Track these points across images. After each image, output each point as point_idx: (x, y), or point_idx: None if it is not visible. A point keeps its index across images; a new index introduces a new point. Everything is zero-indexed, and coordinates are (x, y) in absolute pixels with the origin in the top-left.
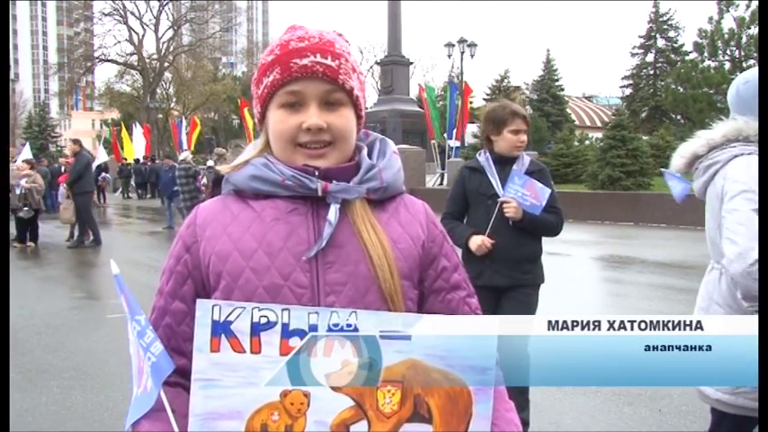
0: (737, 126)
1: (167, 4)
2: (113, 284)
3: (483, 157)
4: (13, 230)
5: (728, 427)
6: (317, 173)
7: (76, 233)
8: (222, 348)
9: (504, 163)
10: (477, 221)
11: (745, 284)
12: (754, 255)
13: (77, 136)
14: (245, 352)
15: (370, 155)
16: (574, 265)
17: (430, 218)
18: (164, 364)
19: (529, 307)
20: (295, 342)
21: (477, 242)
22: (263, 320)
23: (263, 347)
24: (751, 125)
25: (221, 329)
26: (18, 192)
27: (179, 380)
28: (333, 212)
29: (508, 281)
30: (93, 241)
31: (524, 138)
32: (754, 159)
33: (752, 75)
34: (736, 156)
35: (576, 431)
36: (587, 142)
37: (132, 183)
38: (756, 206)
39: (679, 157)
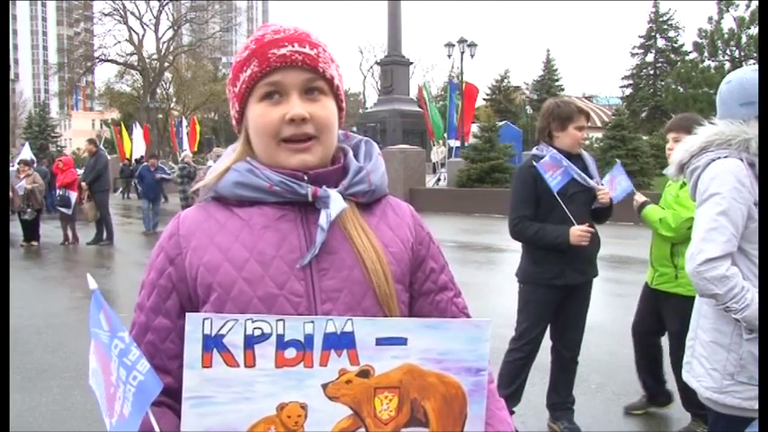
0: (715, 131)
1: (167, 4)
2: (114, 284)
3: (548, 153)
4: (18, 231)
5: (723, 426)
6: (306, 177)
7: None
8: (214, 364)
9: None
10: (556, 220)
11: (696, 283)
12: (703, 256)
13: (77, 136)
14: (238, 366)
15: (356, 157)
16: None
17: (417, 220)
18: (152, 384)
19: (589, 301)
20: (291, 353)
21: (580, 231)
22: (257, 332)
23: (258, 360)
24: (730, 128)
25: (213, 344)
26: (21, 193)
27: (164, 399)
28: (324, 218)
29: (584, 277)
30: (108, 239)
31: (585, 134)
32: (729, 162)
33: (734, 75)
34: (712, 160)
35: None
36: (587, 142)
37: (134, 183)
38: (722, 209)
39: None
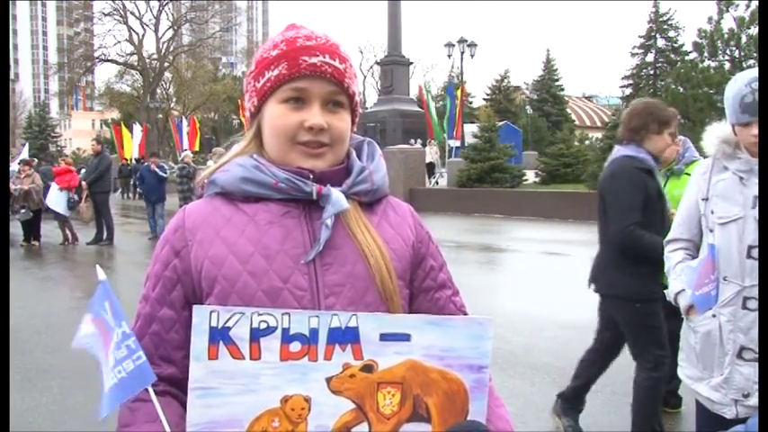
0: (710, 134)
1: (167, 4)
2: (114, 284)
3: (646, 156)
4: (18, 231)
5: (700, 419)
6: (311, 176)
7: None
8: (221, 356)
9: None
10: (657, 230)
11: None
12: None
13: (77, 136)
14: (244, 359)
15: (358, 157)
16: (574, 265)
17: (416, 219)
18: (146, 375)
19: None
20: (296, 347)
21: None
22: (263, 326)
23: (263, 353)
24: (715, 132)
25: (219, 336)
26: (16, 194)
27: (168, 388)
28: (328, 216)
29: None
30: (108, 239)
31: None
32: (701, 161)
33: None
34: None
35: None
36: (587, 142)
37: (132, 183)
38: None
39: None
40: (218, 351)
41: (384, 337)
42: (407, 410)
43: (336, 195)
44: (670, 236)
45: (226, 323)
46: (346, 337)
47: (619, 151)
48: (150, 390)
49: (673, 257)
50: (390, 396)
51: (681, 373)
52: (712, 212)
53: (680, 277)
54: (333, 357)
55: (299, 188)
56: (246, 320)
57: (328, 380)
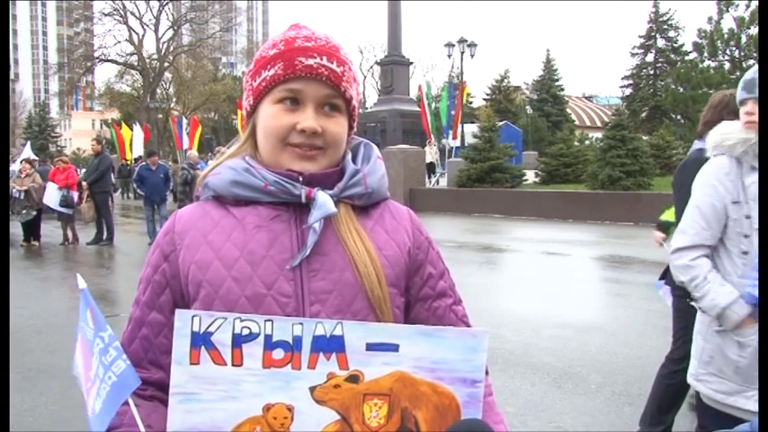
0: (720, 130)
1: (167, 4)
2: (114, 284)
3: None
4: (18, 231)
5: (709, 420)
6: (300, 179)
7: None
8: (202, 361)
9: None
10: None
11: (671, 270)
12: (674, 246)
13: (77, 136)
14: (225, 364)
15: (354, 159)
16: (574, 265)
17: (415, 224)
18: (129, 381)
19: None
20: (278, 354)
21: None
22: (245, 332)
23: (245, 360)
24: (730, 128)
25: (201, 341)
26: (16, 196)
27: (156, 393)
28: (315, 219)
29: None
30: (108, 239)
31: None
32: (714, 161)
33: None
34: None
35: (576, 431)
36: (587, 142)
37: (132, 185)
38: (695, 204)
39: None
40: (199, 356)
41: (371, 347)
42: (395, 424)
43: (323, 198)
44: (691, 241)
45: (208, 328)
46: (331, 345)
47: (695, 145)
48: (129, 397)
49: (701, 266)
50: (377, 408)
51: (705, 387)
52: (748, 217)
53: (723, 288)
54: (317, 366)
55: (287, 191)
56: (229, 326)
57: (312, 389)
